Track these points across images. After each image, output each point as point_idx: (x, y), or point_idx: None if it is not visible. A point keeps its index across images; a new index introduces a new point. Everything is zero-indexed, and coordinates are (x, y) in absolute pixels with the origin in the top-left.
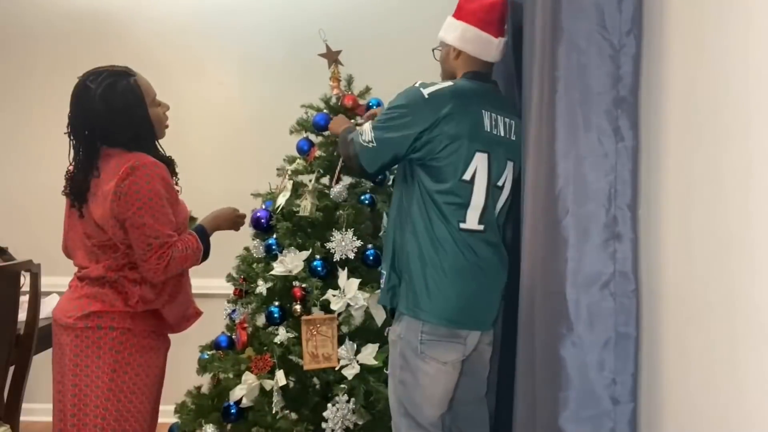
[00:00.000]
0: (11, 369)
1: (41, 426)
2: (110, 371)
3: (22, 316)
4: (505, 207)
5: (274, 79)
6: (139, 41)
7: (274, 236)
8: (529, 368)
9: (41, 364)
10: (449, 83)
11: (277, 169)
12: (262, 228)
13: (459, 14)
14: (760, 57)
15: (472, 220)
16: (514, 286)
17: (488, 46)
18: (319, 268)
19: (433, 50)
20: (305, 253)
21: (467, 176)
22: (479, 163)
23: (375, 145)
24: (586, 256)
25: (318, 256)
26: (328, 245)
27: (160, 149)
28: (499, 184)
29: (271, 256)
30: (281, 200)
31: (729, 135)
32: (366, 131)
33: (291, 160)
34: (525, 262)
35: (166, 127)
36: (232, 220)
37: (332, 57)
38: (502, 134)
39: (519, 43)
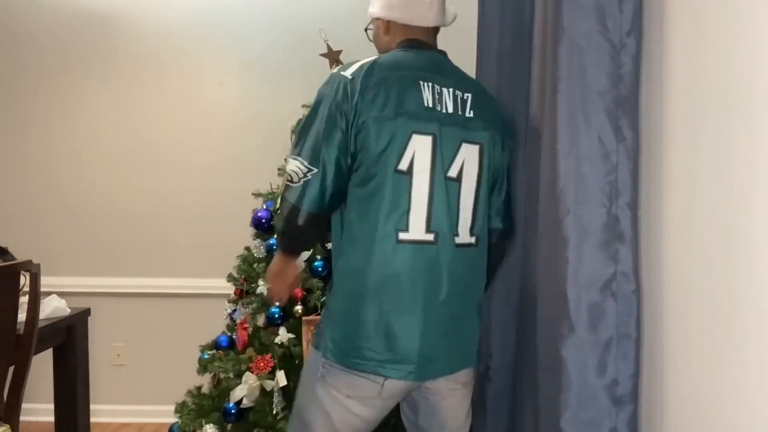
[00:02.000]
0: (11, 369)
1: (41, 426)
2: None
3: (22, 316)
4: (480, 204)
5: (275, 79)
6: (139, 41)
7: (275, 236)
8: (530, 369)
9: (41, 364)
10: (373, 57)
11: (278, 169)
12: (263, 228)
13: None
14: (761, 56)
15: (417, 228)
16: (514, 287)
17: (418, 6)
18: (320, 269)
19: (365, 30)
20: (306, 254)
21: (403, 165)
22: (418, 147)
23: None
24: (586, 257)
25: (319, 257)
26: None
27: None
28: (452, 174)
29: (272, 256)
30: None
31: (730, 134)
32: (290, 166)
33: None
34: (523, 263)
35: None
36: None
37: (333, 57)
38: (451, 110)
39: (519, 42)
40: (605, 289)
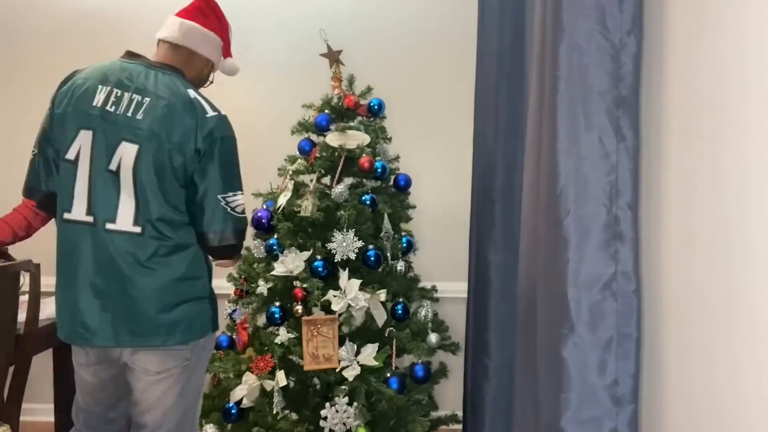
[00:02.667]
0: (11, 369)
1: (41, 426)
2: None
3: (22, 316)
4: (144, 198)
5: (275, 79)
6: (139, 41)
7: (275, 236)
8: (530, 369)
9: (41, 364)
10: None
11: (278, 169)
12: (263, 228)
13: None
14: (760, 56)
15: (78, 210)
16: (513, 287)
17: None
18: (320, 269)
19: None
20: (306, 254)
21: (70, 155)
22: (83, 141)
23: None
24: (587, 257)
25: (319, 257)
26: (329, 246)
27: None
28: (112, 167)
29: (272, 256)
30: (282, 200)
31: (729, 134)
32: (239, 200)
33: (292, 160)
34: (523, 263)
35: None
36: None
37: (333, 57)
38: (120, 112)
39: (519, 42)
40: (605, 289)
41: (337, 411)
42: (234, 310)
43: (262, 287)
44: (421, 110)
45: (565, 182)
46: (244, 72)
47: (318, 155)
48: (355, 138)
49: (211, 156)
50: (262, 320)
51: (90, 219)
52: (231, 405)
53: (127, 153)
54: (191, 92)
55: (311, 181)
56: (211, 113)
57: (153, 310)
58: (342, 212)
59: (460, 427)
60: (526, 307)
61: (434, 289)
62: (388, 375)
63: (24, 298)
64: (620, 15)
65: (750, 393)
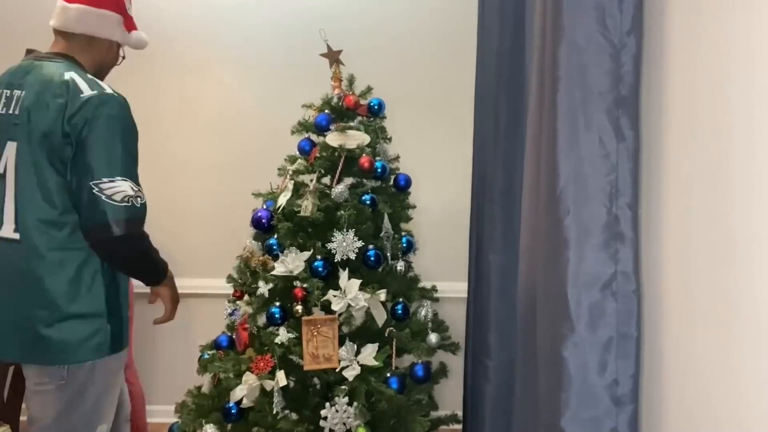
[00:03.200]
0: (11, 369)
1: None
2: None
3: None
4: (22, 199)
5: (275, 79)
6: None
7: (275, 236)
8: (530, 369)
9: None
10: None
11: (278, 169)
12: (263, 228)
13: None
14: (761, 56)
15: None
16: (513, 287)
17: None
18: (320, 269)
19: None
20: (306, 254)
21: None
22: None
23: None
24: (587, 257)
25: (319, 257)
26: (329, 246)
27: None
28: (1, 171)
29: (272, 256)
30: (282, 200)
31: (729, 134)
32: (119, 186)
33: (292, 160)
34: (523, 263)
35: None
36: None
37: (333, 57)
38: (4, 111)
39: (519, 42)
40: (605, 288)
41: (337, 411)
42: (234, 310)
43: (263, 288)
44: (421, 110)
45: (565, 182)
46: (245, 72)
47: (318, 155)
48: (355, 138)
49: (82, 139)
50: (262, 320)
51: None
52: (231, 405)
53: (10, 152)
54: (68, 74)
55: (311, 181)
56: (87, 93)
57: (40, 325)
58: (342, 212)
59: (460, 427)
60: (526, 307)
61: (434, 289)
62: (388, 375)
63: None
64: (620, 15)
65: (749, 393)
